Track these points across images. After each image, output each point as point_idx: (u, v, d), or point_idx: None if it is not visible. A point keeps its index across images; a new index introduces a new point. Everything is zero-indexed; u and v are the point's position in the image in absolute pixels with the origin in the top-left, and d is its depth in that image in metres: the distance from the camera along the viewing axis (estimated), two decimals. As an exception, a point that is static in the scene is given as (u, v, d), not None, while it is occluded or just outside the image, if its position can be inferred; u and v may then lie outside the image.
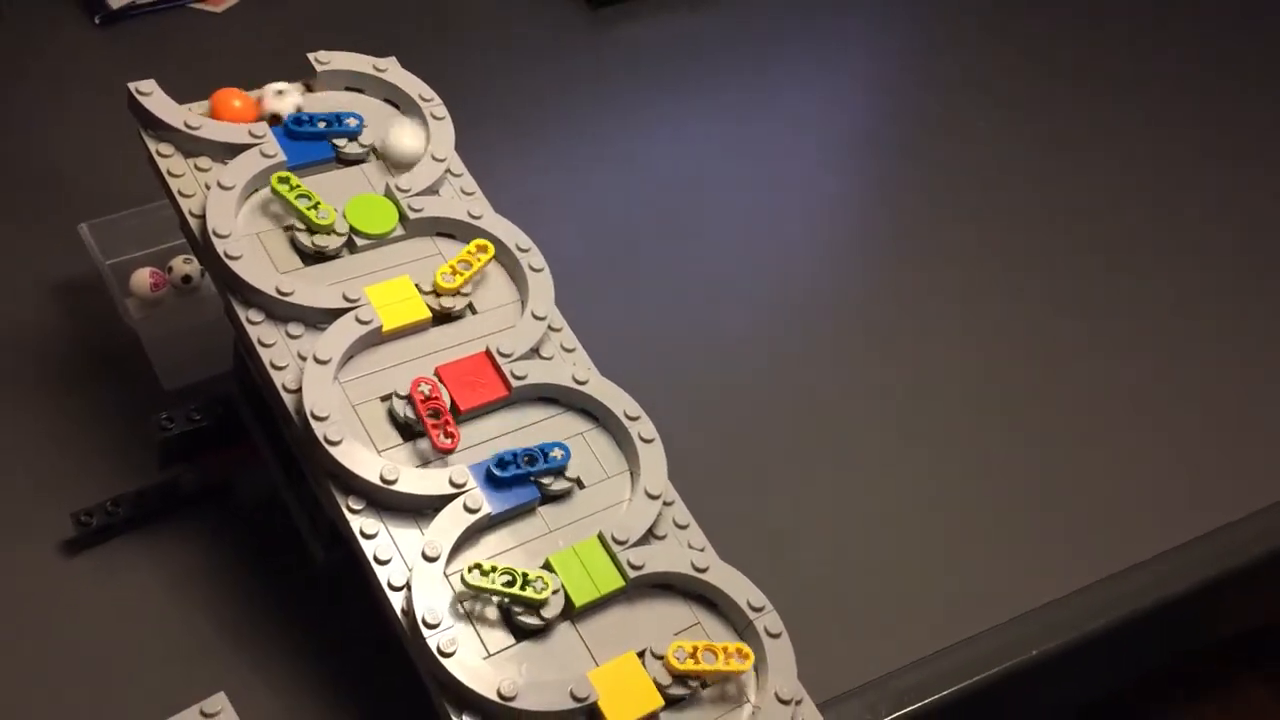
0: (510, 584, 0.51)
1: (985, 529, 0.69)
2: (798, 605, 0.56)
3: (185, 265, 0.72)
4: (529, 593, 0.51)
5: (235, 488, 0.65)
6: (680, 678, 0.52)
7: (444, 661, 0.50)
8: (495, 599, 0.52)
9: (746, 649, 0.52)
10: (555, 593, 0.52)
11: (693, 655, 0.51)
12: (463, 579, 0.50)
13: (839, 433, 0.73)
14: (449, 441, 0.54)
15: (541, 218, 0.65)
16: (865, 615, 0.64)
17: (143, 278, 0.71)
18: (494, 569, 0.51)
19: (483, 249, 0.59)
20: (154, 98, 0.60)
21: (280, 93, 0.62)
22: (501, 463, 0.54)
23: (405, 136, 0.62)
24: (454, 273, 0.59)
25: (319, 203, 0.58)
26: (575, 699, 0.50)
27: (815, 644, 0.56)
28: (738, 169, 0.92)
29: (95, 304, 0.74)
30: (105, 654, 0.59)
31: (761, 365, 0.77)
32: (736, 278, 0.83)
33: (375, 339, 0.57)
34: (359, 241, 0.60)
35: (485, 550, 0.54)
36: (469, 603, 0.52)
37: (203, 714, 0.49)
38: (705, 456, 0.69)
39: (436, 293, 0.59)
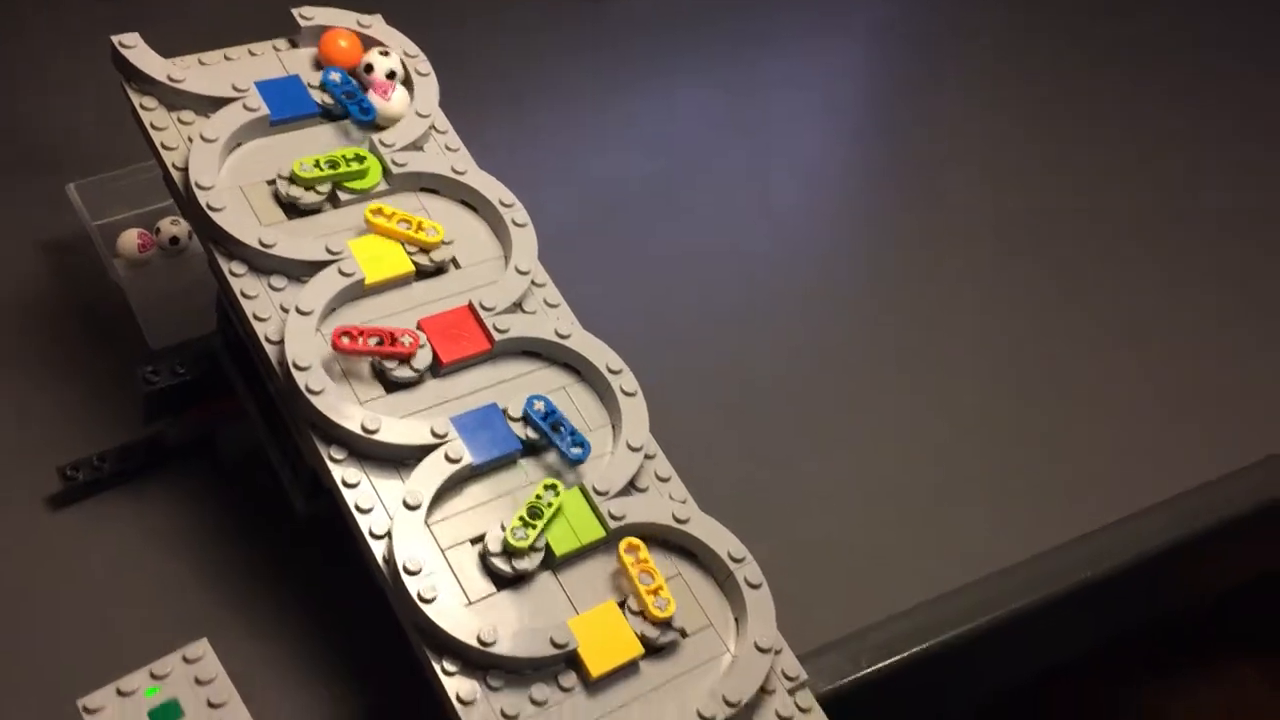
0: (534, 512, 0.52)
1: (966, 487, 0.69)
2: (780, 561, 0.56)
3: (173, 227, 0.72)
4: (513, 525, 0.52)
5: (219, 442, 0.65)
6: (661, 625, 0.52)
7: (424, 608, 0.50)
8: (476, 544, 0.52)
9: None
10: (535, 547, 0.52)
11: (654, 591, 0.52)
12: (537, 494, 0.53)
13: (822, 393, 0.74)
14: (344, 341, 0.54)
15: (531, 182, 0.65)
16: (847, 572, 0.64)
17: (130, 238, 0.72)
18: (555, 498, 0.53)
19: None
20: (137, 50, 0.60)
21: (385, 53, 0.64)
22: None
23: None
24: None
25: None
26: (555, 645, 0.50)
27: (797, 599, 0.57)
28: (733, 136, 0.92)
29: (83, 264, 0.74)
30: (90, 605, 0.59)
31: (748, 328, 0.77)
32: (728, 243, 0.83)
33: (358, 292, 0.57)
34: (342, 196, 0.60)
35: (467, 500, 0.54)
36: (451, 551, 0.52)
37: (185, 659, 0.50)
38: (690, 416, 0.69)
39: (420, 248, 0.59)
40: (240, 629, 0.58)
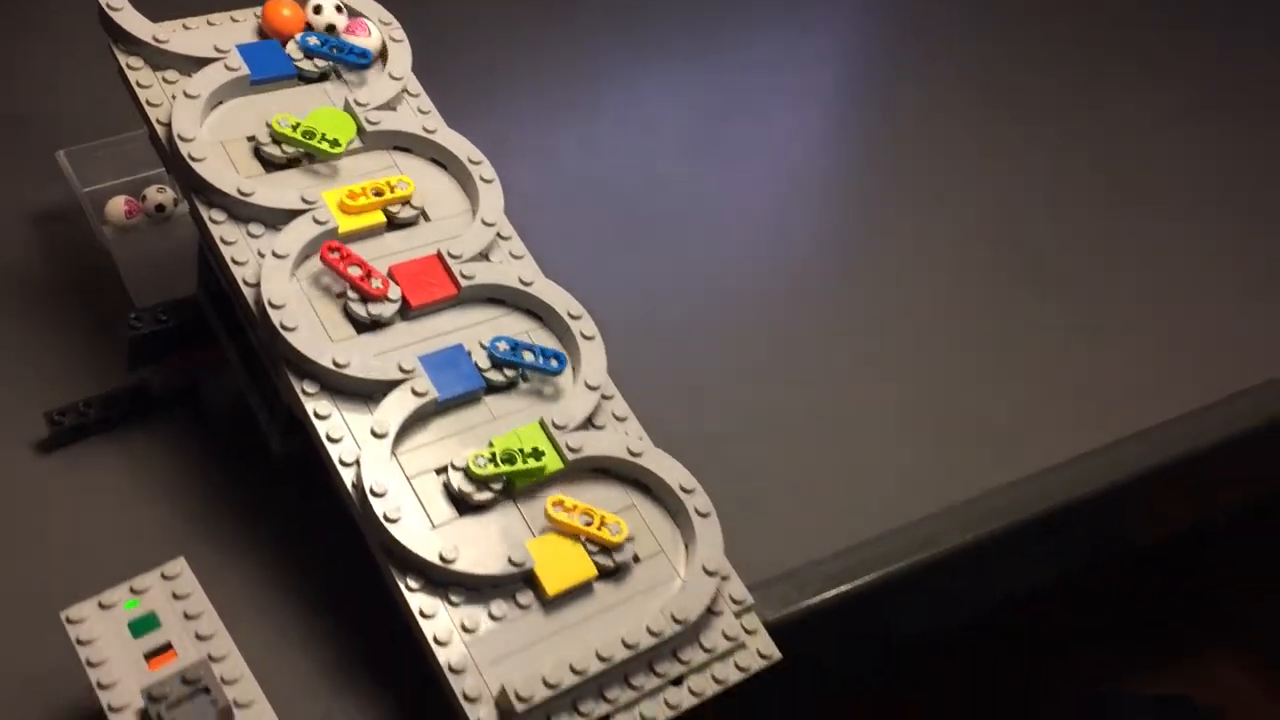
0: (507, 457, 0.55)
1: (913, 429, 0.72)
2: (733, 501, 0.59)
3: (158, 195, 0.75)
4: (475, 454, 0.55)
5: (201, 392, 0.68)
6: (616, 549, 0.55)
7: (389, 527, 0.53)
8: (441, 474, 0.55)
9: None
10: (493, 487, 0.55)
11: (600, 525, 0.55)
12: (521, 447, 0.56)
13: (775, 340, 0.77)
14: (332, 256, 0.57)
15: (501, 155, 0.67)
16: (801, 509, 0.67)
17: (117, 205, 0.74)
18: (535, 463, 0.55)
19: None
20: (124, 13, 0.63)
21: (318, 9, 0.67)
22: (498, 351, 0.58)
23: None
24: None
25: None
26: (512, 564, 0.53)
27: (749, 537, 0.60)
28: (709, 113, 0.95)
29: (72, 228, 0.77)
30: (75, 539, 0.62)
31: (709, 283, 0.81)
32: (693, 210, 0.86)
33: (331, 240, 0.60)
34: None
35: (433, 434, 0.57)
36: (417, 479, 0.55)
37: (163, 576, 0.52)
38: (649, 363, 0.71)
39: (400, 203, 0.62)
40: (219, 561, 0.60)
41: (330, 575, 0.60)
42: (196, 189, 0.60)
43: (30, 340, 0.71)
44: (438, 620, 0.52)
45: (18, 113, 0.85)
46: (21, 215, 0.79)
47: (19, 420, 0.66)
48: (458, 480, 0.55)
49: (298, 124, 0.62)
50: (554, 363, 0.59)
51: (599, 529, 0.55)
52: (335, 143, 0.62)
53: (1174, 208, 0.90)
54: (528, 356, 0.58)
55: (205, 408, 0.68)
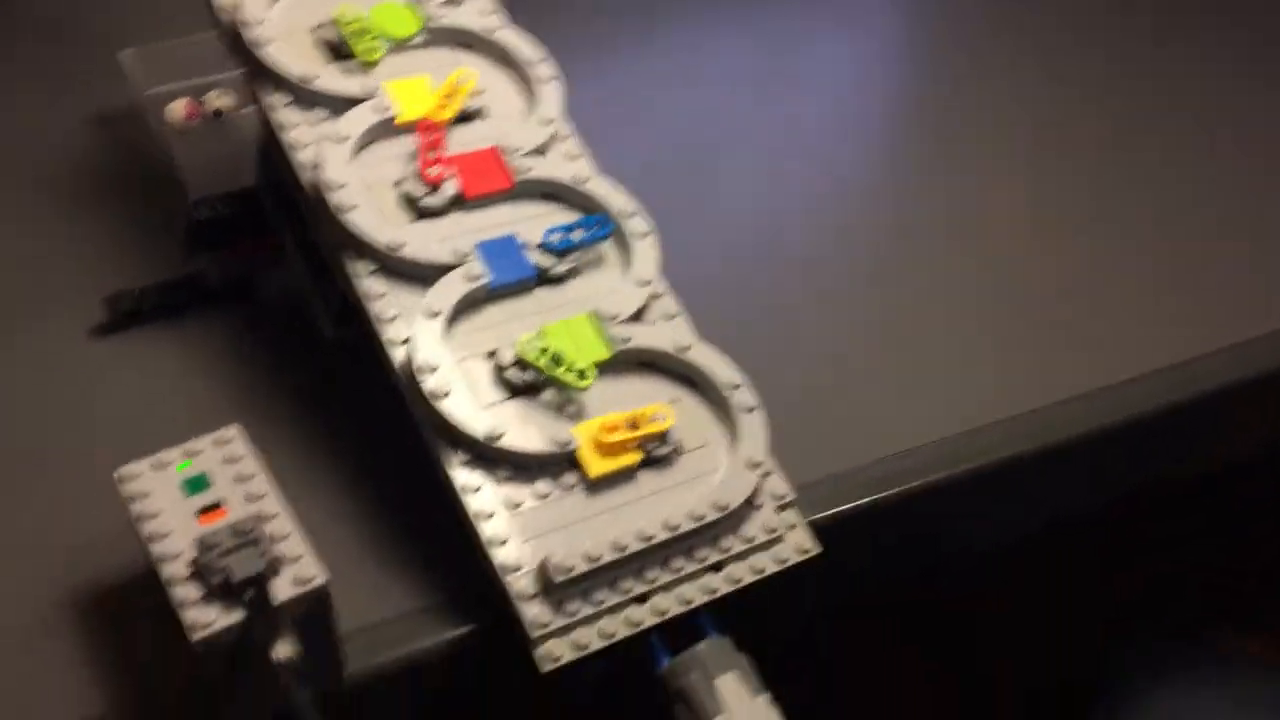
0: (556, 359, 0.55)
1: (969, 339, 0.72)
2: (781, 404, 0.59)
3: (218, 99, 0.76)
4: (526, 336, 0.56)
5: (256, 282, 0.69)
6: (660, 437, 0.56)
7: (437, 403, 0.54)
8: (491, 359, 0.56)
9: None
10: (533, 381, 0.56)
11: (646, 420, 0.55)
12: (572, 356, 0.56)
13: (831, 245, 0.77)
14: (426, 136, 0.59)
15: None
16: (845, 419, 0.67)
17: (178, 108, 0.75)
18: (581, 381, 0.55)
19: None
20: (195, -100, 0.64)
21: None
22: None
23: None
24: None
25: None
26: (557, 444, 0.54)
27: (793, 442, 0.60)
28: (765, 50, 0.95)
29: (132, 129, 0.78)
30: (129, 420, 0.63)
31: (767, 205, 0.81)
32: (751, 130, 0.86)
33: (391, 130, 0.61)
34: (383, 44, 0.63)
35: (484, 320, 0.58)
36: (466, 361, 0.56)
37: (216, 441, 0.53)
38: (706, 266, 0.72)
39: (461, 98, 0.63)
40: (271, 440, 0.60)
41: (380, 455, 0.61)
42: (260, 74, 0.61)
43: (90, 233, 0.72)
44: (482, 494, 0.53)
45: (82, 13, 0.87)
46: (84, 114, 0.80)
47: (77, 306, 0.68)
48: (506, 358, 0.56)
49: (354, 19, 0.63)
50: (601, 228, 0.59)
51: (646, 426, 0.55)
52: (372, 49, 0.63)
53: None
54: (578, 235, 0.59)
55: (261, 298, 0.69)
